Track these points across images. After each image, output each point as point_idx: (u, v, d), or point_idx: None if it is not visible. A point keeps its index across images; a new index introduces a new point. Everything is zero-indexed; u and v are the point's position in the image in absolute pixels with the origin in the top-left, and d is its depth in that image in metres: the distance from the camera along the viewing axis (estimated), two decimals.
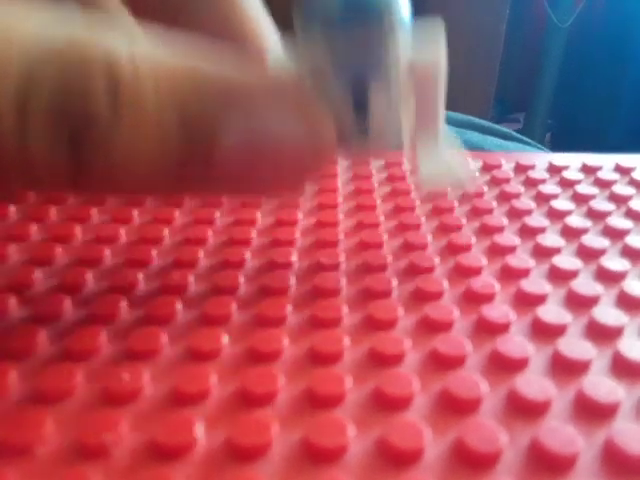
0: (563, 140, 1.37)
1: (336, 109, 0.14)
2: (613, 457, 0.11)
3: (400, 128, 0.15)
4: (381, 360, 0.14)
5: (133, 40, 0.12)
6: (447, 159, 0.16)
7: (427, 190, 0.15)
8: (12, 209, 0.20)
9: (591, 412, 0.12)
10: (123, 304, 0.15)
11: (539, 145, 0.40)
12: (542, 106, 1.29)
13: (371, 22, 0.13)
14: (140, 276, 0.16)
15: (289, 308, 0.15)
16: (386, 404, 0.12)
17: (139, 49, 0.12)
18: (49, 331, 0.14)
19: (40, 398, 0.12)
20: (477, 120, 0.39)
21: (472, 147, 0.33)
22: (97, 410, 0.12)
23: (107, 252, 0.18)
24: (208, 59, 0.13)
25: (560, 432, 0.12)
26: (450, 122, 0.37)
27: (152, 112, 0.12)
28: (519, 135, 0.40)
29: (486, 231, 0.20)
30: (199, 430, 0.12)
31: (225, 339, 0.14)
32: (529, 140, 0.40)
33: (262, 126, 0.13)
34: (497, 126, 0.40)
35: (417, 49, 0.15)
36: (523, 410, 0.12)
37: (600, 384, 0.13)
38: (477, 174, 0.24)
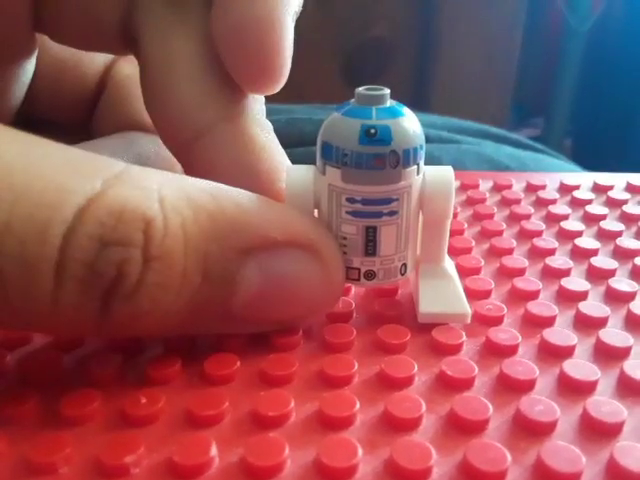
0: (584, 146, 1.35)
1: (347, 247, 0.15)
2: (616, 476, 0.12)
3: (407, 263, 0.16)
4: (390, 383, 0.14)
5: (162, 183, 0.13)
6: (448, 294, 0.16)
7: (424, 322, 0.16)
8: None
9: (595, 432, 0.13)
10: None
11: (554, 153, 0.40)
12: (561, 112, 1.27)
13: (386, 165, 0.14)
14: None
15: (300, 332, 0.15)
16: (395, 426, 0.13)
17: (168, 196, 0.12)
18: (71, 358, 0.15)
19: (63, 421, 0.13)
20: (492, 129, 0.39)
21: (485, 159, 0.33)
22: (117, 432, 0.13)
23: None
24: (229, 201, 0.13)
25: (564, 452, 0.12)
26: (464, 131, 0.37)
27: (179, 265, 0.12)
28: (534, 143, 0.40)
29: (495, 253, 0.20)
30: (214, 451, 0.12)
31: (238, 364, 0.14)
32: (544, 148, 0.39)
33: (279, 272, 0.14)
34: (512, 135, 0.40)
35: (428, 188, 0.15)
36: (528, 431, 0.13)
37: (604, 404, 0.13)
38: (487, 195, 0.24)
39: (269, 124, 0.17)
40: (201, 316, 0.13)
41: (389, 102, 0.15)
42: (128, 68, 0.23)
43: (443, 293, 0.16)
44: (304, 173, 0.15)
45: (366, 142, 0.14)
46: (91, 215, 0.11)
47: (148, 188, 0.12)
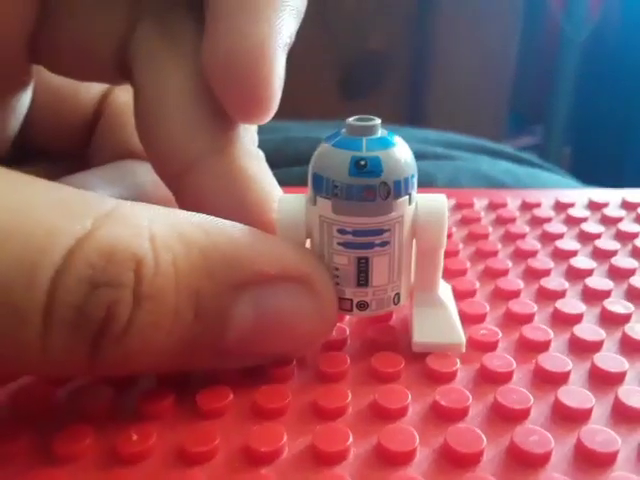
0: (583, 154, 1.35)
1: (339, 278, 0.15)
2: None
3: (400, 293, 0.16)
4: (383, 414, 0.14)
5: (153, 220, 0.12)
6: (442, 324, 0.16)
7: (418, 351, 0.16)
8: None
9: (589, 462, 0.13)
10: None
11: (550, 166, 0.39)
12: (559, 120, 1.27)
13: (376, 196, 0.14)
14: None
15: (294, 361, 0.15)
16: (388, 460, 0.13)
17: (159, 233, 0.12)
18: (63, 391, 0.15)
19: (55, 458, 0.13)
20: (487, 143, 0.39)
21: (481, 175, 0.33)
22: (109, 470, 0.13)
23: None
24: (221, 235, 0.13)
25: None
26: (459, 146, 0.37)
27: (171, 303, 0.12)
28: (530, 157, 0.39)
29: (490, 274, 0.20)
30: None
31: (231, 396, 0.14)
32: (541, 162, 0.39)
33: (273, 306, 0.14)
34: (508, 148, 0.40)
35: (421, 218, 0.15)
36: (523, 462, 0.13)
37: (598, 433, 0.13)
38: (482, 214, 0.24)
39: (261, 153, 0.17)
40: (194, 353, 0.13)
41: (380, 132, 0.15)
42: (125, 96, 0.23)
43: (437, 322, 0.16)
44: (296, 204, 0.15)
45: (356, 174, 0.14)
46: (80, 257, 0.11)
47: (138, 225, 0.12)
